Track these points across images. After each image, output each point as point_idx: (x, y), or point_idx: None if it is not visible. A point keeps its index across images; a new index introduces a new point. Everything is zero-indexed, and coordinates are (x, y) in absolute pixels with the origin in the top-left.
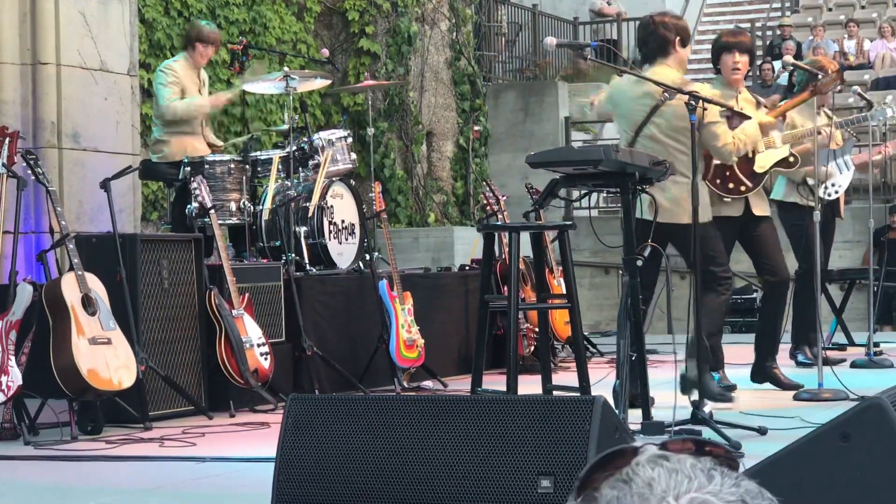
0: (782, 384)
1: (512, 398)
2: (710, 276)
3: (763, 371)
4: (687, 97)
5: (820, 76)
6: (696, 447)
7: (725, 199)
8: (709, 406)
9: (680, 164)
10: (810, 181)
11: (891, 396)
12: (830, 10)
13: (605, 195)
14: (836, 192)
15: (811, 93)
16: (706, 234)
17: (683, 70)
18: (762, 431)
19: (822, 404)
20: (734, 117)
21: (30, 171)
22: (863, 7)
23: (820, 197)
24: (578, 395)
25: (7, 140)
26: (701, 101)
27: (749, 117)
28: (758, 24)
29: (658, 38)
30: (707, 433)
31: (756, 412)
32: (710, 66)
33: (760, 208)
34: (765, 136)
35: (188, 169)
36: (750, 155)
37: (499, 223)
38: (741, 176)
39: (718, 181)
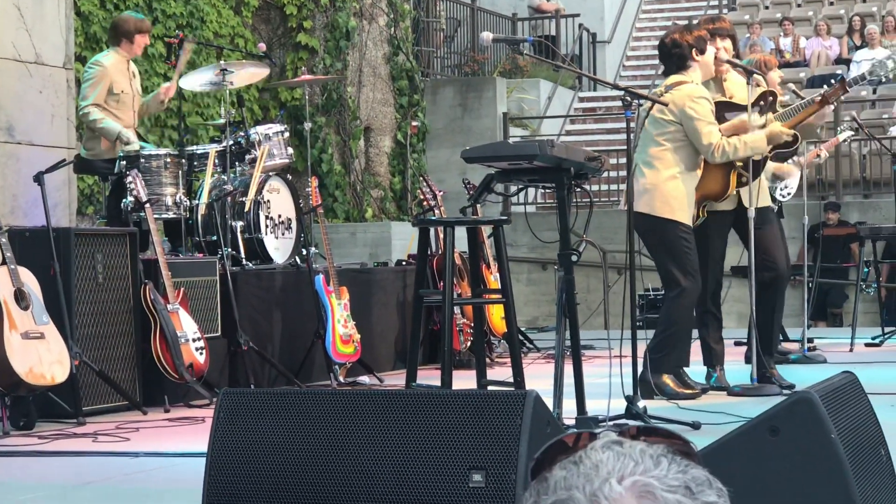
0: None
1: (444, 392)
2: (669, 279)
3: (761, 373)
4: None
5: (755, 73)
6: (651, 434)
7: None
8: (642, 401)
9: (652, 158)
10: (766, 182)
11: (821, 390)
12: (767, 7)
13: (543, 191)
14: (789, 194)
15: (820, 104)
16: (678, 234)
17: (710, 74)
18: (695, 426)
19: (759, 400)
20: (724, 108)
21: None
22: (798, 5)
23: (775, 198)
24: (512, 389)
25: None
26: (636, 97)
27: (741, 106)
28: (695, 22)
29: (673, 57)
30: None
31: (691, 407)
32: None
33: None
34: (777, 144)
35: (123, 163)
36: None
37: (434, 218)
38: (732, 180)
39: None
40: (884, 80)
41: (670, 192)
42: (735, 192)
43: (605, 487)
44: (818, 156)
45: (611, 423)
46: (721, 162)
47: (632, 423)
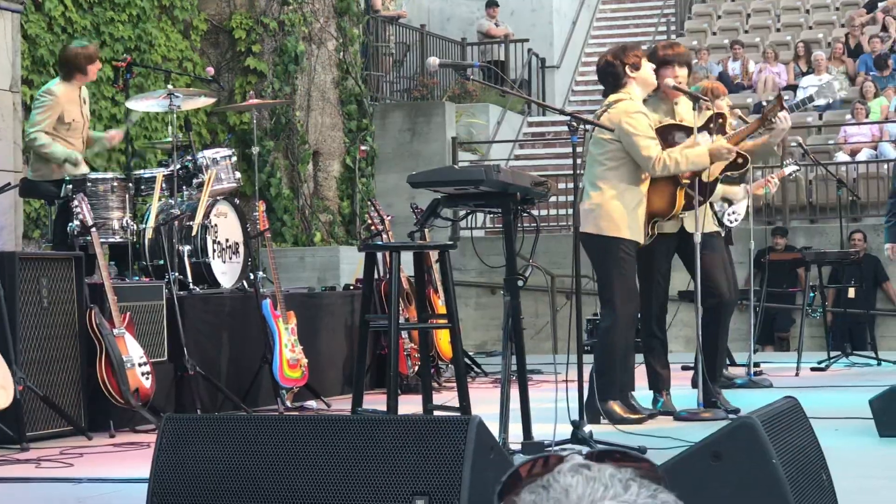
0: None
1: (388, 418)
2: (607, 299)
3: (707, 398)
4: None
5: (701, 99)
6: (619, 458)
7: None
8: (588, 426)
9: (596, 179)
10: (716, 206)
11: (762, 416)
12: (715, 34)
13: (490, 216)
14: (736, 220)
15: (760, 121)
16: (621, 252)
17: (649, 88)
18: (641, 451)
19: (703, 424)
20: (672, 130)
21: None
22: (746, 31)
23: (723, 223)
24: (457, 414)
25: None
26: (582, 122)
27: (688, 128)
28: (644, 48)
29: (609, 76)
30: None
31: (637, 432)
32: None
33: (693, 226)
34: (719, 162)
35: (70, 187)
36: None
37: (380, 243)
38: (689, 190)
39: (660, 203)
40: (830, 101)
41: (615, 210)
42: (681, 216)
43: None
44: (768, 183)
45: (557, 447)
46: (661, 175)
47: (600, 446)
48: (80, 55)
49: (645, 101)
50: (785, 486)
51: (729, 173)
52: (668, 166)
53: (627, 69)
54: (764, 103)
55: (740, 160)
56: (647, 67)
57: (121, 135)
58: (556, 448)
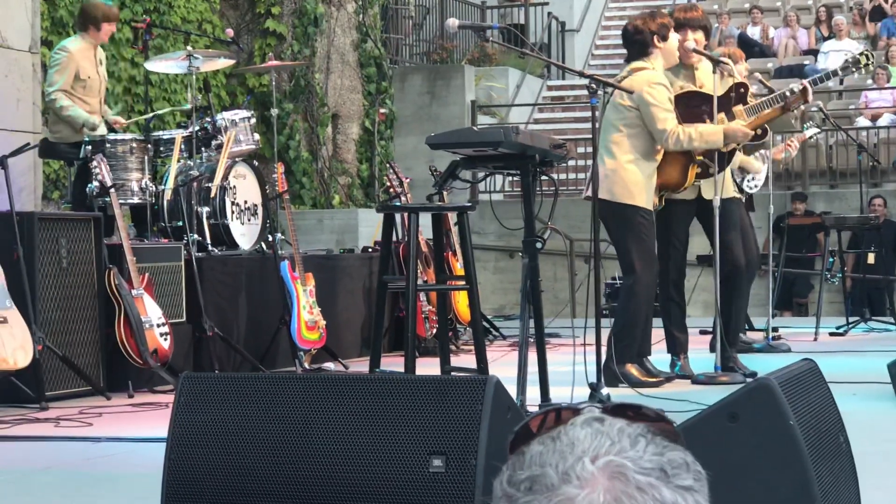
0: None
1: (405, 377)
2: (627, 264)
3: (724, 362)
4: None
5: (721, 62)
6: (634, 413)
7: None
8: (606, 389)
9: (611, 144)
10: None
11: (780, 377)
12: None
13: (509, 178)
14: (756, 186)
15: (782, 109)
16: (638, 219)
17: (673, 61)
18: None
19: (720, 387)
20: (693, 98)
21: None
22: None
23: (742, 189)
24: (474, 375)
25: None
26: (602, 84)
27: (709, 97)
28: (664, 12)
29: (635, 43)
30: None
31: (654, 395)
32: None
33: (711, 192)
34: (734, 145)
35: (89, 148)
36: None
37: (398, 204)
38: (706, 159)
39: (672, 175)
40: (856, 77)
41: (629, 178)
42: (696, 184)
43: (578, 466)
44: (787, 149)
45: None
46: (674, 149)
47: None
48: (100, 8)
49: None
50: (802, 448)
51: (749, 143)
52: (681, 141)
53: (656, 38)
54: (788, 93)
55: (759, 131)
56: (674, 39)
57: (125, 123)
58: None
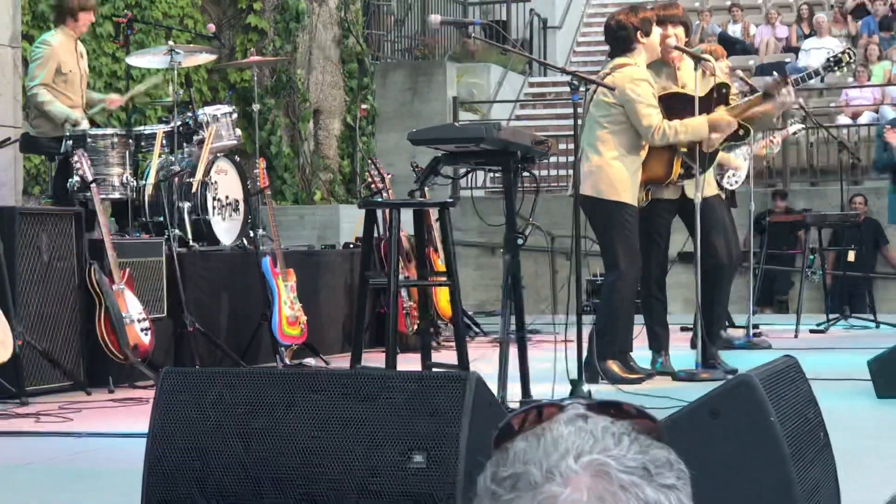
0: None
1: (386, 373)
2: (610, 260)
3: (705, 359)
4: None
5: (703, 59)
6: (617, 410)
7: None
8: (587, 385)
9: (596, 141)
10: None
11: (761, 374)
12: None
13: (491, 175)
14: (737, 182)
15: (763, 96)
16: (623, 216)
17: (655, 56)
18: None
19: (701, 384)
20: (676, 99)
21: None
22: None
23: (723, 186)
24: (455, 371)
25: None
26: (584, 81)
27: (690, 96)
28: (647, 7)
29: (618, 39)
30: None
31: (635, 392)
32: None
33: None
34: (720, 135)
35: (70, 143)
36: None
37: (380, 200)
38: (688, 160)
39: (657, 169)
40: (838, 75)
41: (615, 175)
42: (680, 184)
43: (562, 464)
44: (769, 145)
45: None
46: (660, 144)
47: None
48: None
49: (648, 65)
50: (782, 444)
51: (731, 143)
52: (667, 136)
53: (639, 34)
54: (768, 79)
55: (741, 131)
56: (657, 34)
57: (122, 100)
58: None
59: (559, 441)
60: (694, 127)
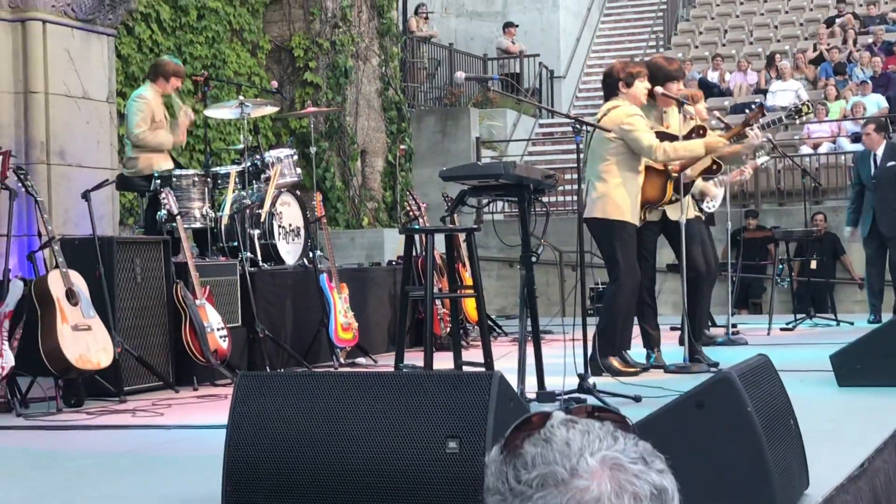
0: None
1: (426, 373)
2: (613, 271)
3: (691, 354)
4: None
5: (685, 104)
6: (595, 413)
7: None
8: (592, 378)
9: (601, 172)
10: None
11: (739, 370)
12: (697, 47)
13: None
14: (714, 206)
15: (743, 125)
16: (626, 233)
17: (638, 102)
18: (637, 399)
19: (690, 376)
20: (660, 137)
21: (20, 184)
22: (724, 45)
23: (702, 209)
24: (482, 369)
25: (0, 158)
26: (583, 124)
27: (674, 136)
28: (636, 59)
29: (607, 85)
30: (592, 400)
31: (633, 383)
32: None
33: (676, 213)
34: (694, 177)
35: (158, 181)
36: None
37: (417, 226)
38: (669, 188)
39: (653, 192)
40: (797, 121)
41: (620, 199)
42: (661, 209)
43: (583, 462)
44: (742, 174)
45: (566, 396)
46: (662, 160)
47: (586, 401)
48: (170, 65)
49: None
50: (758, 430)
51: (706, 175)
52: (667, 152)
53: (621, 84)
54: (746, 111)
55: (714, 167)
56: (640, 87)
57: (191, 118)
58: (566, 397)
59: (570, 443)
60: (692, 145)
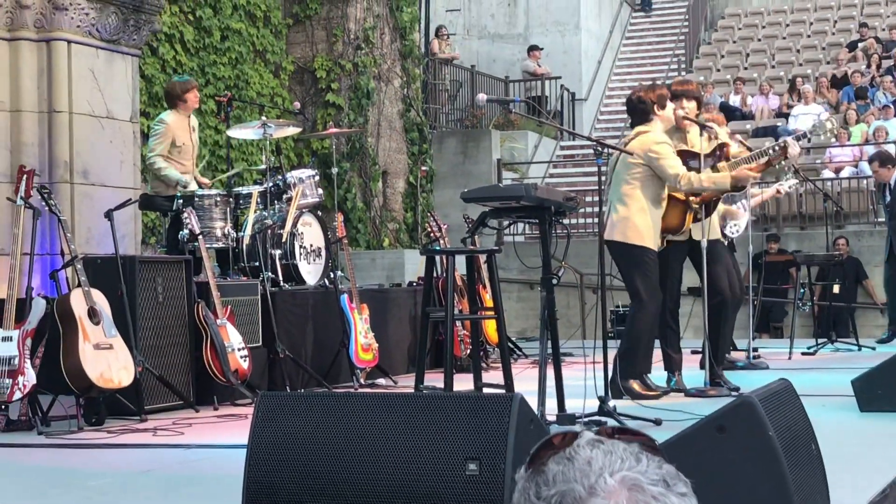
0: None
1: (446, 395)
2: (635, 295)
3: (712, 378)
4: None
5: (707, 127)
6: (624, 435)
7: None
8: (612, 401)
9: (623, 195)
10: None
11: (760, 395)
12: (719, 70)
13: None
14: (738, 231)
15: (766, 164)
16: (646, 258)
17: (669, 124)
18: (657, 422)
19: (709, 400)
20: (684, 155)
21: (44, 203)
22: (746, 68)
23: (725, 234)
24: (502, 391)
25: (24, 177)
26: (605, 147)
27: (697, 154)
28: (658, 82)
29: (638, 112)
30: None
31: (653, 406)
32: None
33: (699, 234)
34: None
35: (180, 201)
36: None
37: (438, 248)
38: (688, 219)
39: (672, 220)
40: (822, 139)
41: (640, 224)
42: (688, 228)
43: (601, 482)
44: (778, 193)
45: (586, 419)
46: (686, 190)
47: (610, 423)
48: (176, 86)
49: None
50: (780, 455)
51: (730, 192)
52: (692, 182)
53: (656, 107)
54: (771, 148)
55: (756, 179)
56: (670, 108)
57: (209, 183)
58: (586, 420)
59: (592, 462)
60: (718, 177)
